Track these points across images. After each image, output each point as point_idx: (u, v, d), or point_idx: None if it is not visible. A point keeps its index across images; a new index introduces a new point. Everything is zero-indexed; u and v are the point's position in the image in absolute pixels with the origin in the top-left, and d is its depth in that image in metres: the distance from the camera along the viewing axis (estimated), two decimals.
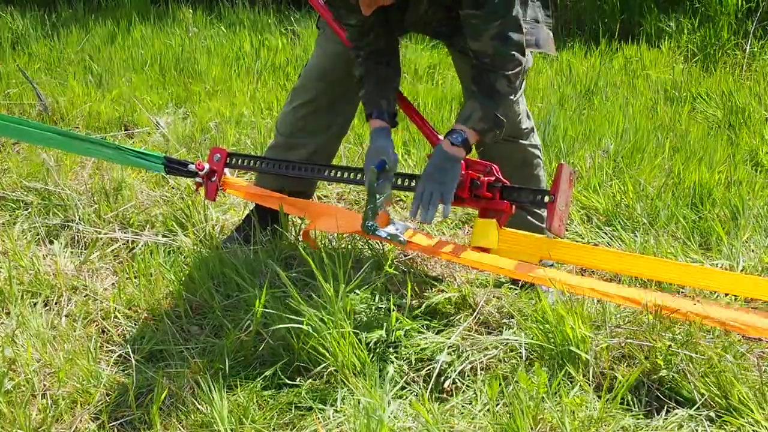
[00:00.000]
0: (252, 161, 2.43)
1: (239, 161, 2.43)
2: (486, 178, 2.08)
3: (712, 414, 1.66)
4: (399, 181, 2.21)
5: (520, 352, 1.83)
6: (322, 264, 1.93)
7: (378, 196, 2.08)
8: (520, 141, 2.30)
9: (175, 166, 2.48)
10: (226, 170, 2.42)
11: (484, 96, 2.00)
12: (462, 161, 2.05)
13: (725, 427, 1.64)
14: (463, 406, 1.71)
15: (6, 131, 2.75)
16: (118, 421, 1.73)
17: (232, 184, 2.44)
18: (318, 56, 2.37)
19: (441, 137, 2.12)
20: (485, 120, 2.01)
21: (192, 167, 2.41)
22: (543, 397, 1.63)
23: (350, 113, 2.45)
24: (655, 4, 5.77)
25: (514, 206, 2.08)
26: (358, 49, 2.19)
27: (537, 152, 2.35)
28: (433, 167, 2.05)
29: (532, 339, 1.85)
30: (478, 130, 2.02)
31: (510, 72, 1.98)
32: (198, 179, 2.42)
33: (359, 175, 2.26)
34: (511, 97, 2.02)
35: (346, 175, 2.32)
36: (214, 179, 2.41)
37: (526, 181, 2.28)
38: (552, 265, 2.22)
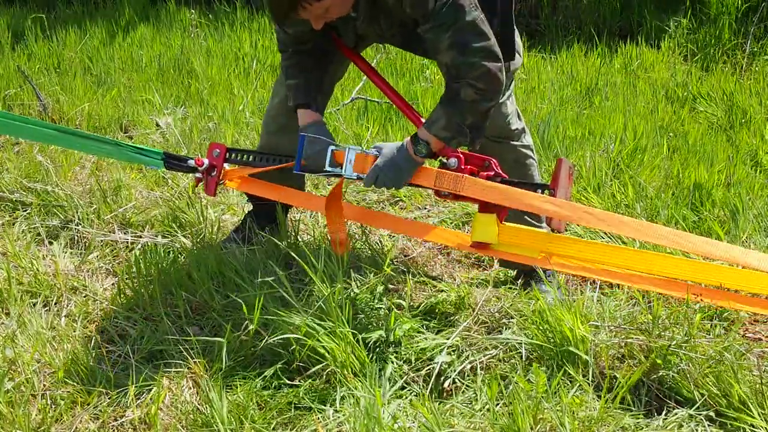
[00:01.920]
0: (251, 156, 2.42)
1: (238, 156, 2.43)
2: (485, 173, 2.08)
3: (712, 414, 1.67)
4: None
5: (520, 352, 1.83)
6: (323, 262, 1.93)
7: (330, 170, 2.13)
8: (511, 142, 2.29)
9: (174, 162, 2.48)
10: (226, 165, 2.42)
11: (448, 104, 1.99)
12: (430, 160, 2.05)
13: (725, 427, 1.64)
14: (463, 406, 1.71)
15: (5, 128, 2.74)
16: (118, 421, 1.73)
17: (232, 175, 2.43)
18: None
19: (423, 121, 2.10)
20: (448, 128, 2.00)
21: (191, 162, 2.40)
22: (543, 397, 1.63)
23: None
24: (655, 4, 5.77)
25: None
26: (287, 47, 2.22)
27: (529, 152, 2.35)
28: (392, 162, 2.05)
29: (531, 339, 1.85)
30: (441, 138, 2.02)
31: (474, 80, 1.93)
32: (197, 175, 2.42)
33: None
34: (486, 104, 1.98)
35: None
36: (213, 174, 2.40)
37: None
38: (551, 274, 2.22)
